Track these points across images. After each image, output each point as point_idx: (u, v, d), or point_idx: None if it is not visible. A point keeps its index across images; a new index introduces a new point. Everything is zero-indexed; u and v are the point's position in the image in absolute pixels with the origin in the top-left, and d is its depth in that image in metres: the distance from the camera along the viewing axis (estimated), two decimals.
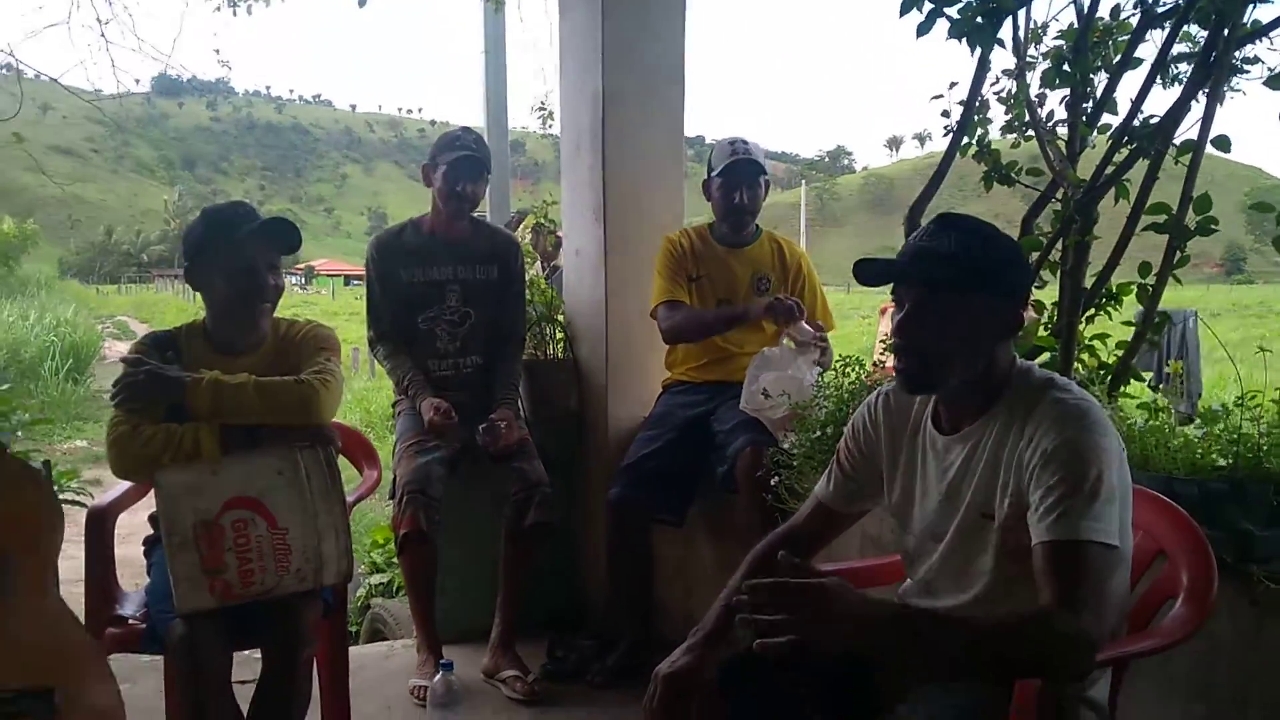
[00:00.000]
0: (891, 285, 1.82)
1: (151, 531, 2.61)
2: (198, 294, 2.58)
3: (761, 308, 3.30)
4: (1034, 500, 1.63)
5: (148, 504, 2.57)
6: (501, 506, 3.38)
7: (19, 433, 4.13)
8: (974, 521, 1.78)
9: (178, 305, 36.73)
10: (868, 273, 1.81)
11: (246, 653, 2.48)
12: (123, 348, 23.66)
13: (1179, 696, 2.05)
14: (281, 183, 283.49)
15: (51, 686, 1.51)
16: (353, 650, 3.81)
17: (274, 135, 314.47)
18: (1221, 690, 2.01)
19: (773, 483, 2.83)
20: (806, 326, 3.21)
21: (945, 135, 2.98)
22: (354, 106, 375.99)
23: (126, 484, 2.63)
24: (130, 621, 2.52)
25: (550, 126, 4.97)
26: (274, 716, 2.34)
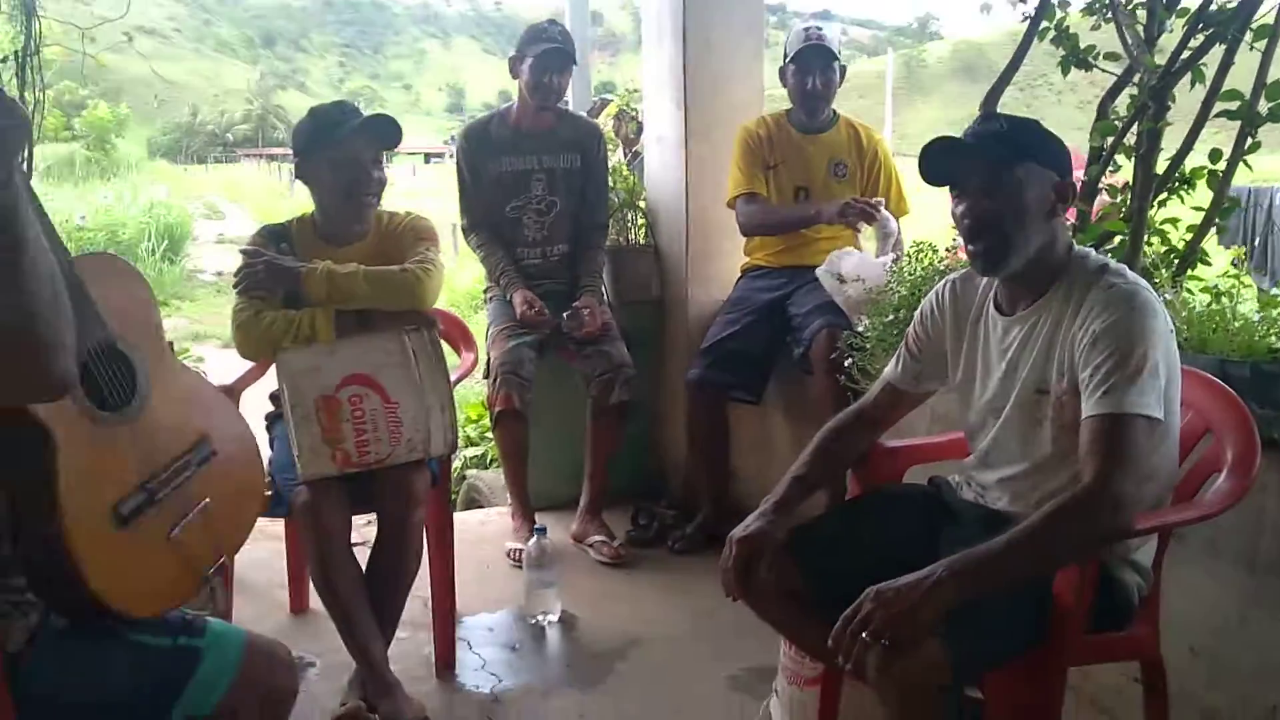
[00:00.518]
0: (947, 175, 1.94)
1: (272, 408, 2.86)
2: (287, 177, 2.75)
3: (836, 209, 3.36)
4: (1083, 378, 1.76)
5: (265, 382, 2.82)
6: (587, 386, 3.58)
7: None
8: (1029, 397, 1.91)
9: (265, 184, 37.33)
10: (933, 169, 1.92)
11: (363, 517, 2.74)
12: (213, 227, 24.26)
13: (1225, 564, 2.18)
14: (360, 59, 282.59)
15: (207, 433, 1.78)
16: (457, 515, 4.12)
17: (352, 10, 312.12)
18: (1265, 559, 2.14)
19: (846, 364, 2.97)
20: (886, 215, 3.29)
21: (1022, 21, 3.00)
22: None
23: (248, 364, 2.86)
24: None
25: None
26: (389, 573, 2.59)
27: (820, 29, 3.64)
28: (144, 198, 21.00)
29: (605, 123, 4.46)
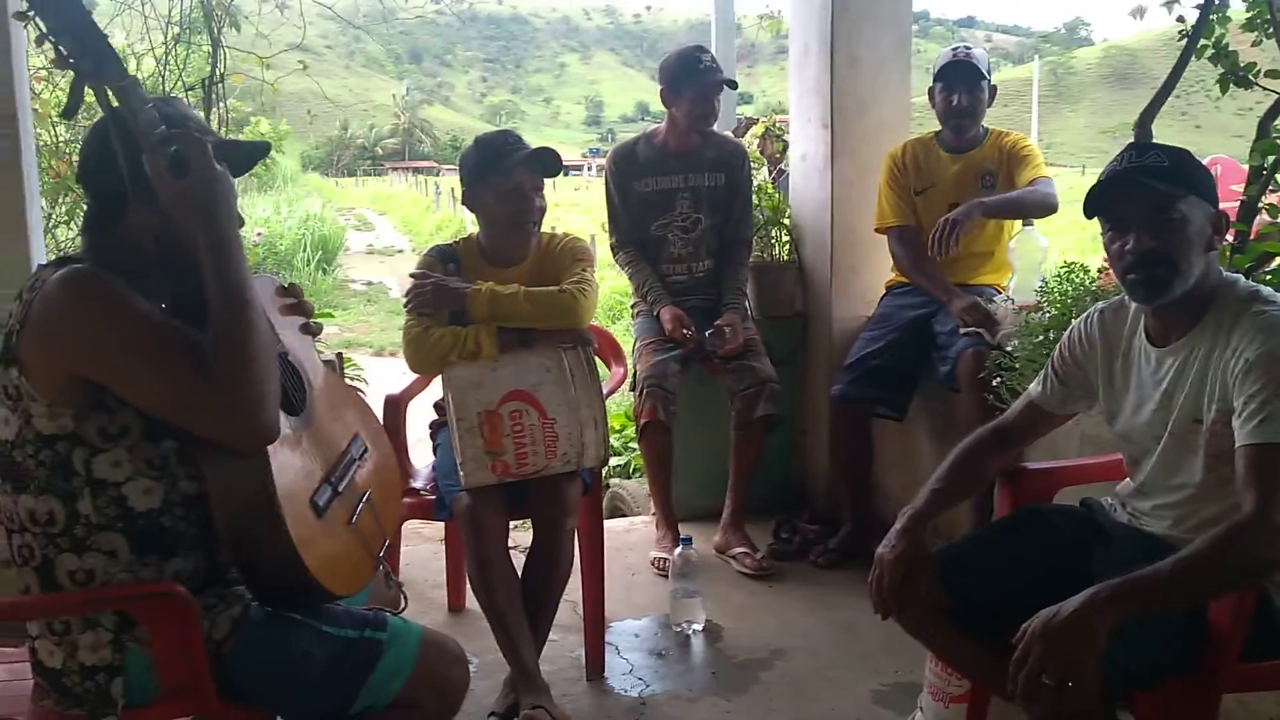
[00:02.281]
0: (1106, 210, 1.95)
1: (436, 417, 3.03)
2: (432, 191, 2.92)
3: (964, 304, 3.34)
4: (1238, 407, 1.76)
5: (429, 393, 2.99)
6: (730, 400, 3.65)
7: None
8: (1185, 426, 1.91)
9: (411, 197, 38.53)
10: (1097, 198, 1.94)
11: (520, 522, 2.87)
12: (363, 239, 25.14)
13: None
14: (502, 74, 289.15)
15: (357, 430, 2.00)
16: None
17: (495, 26, 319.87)
18: None
19: (994, 383, 2.97)
20: (999, 309, 3.26)
21: (1180, 39, 2.96)
22: None
23: (414, 376, 3.03)
24: (421, 493, 2.96)
25: (778, 14, 5.00)
26: (543, 577, 2.71)
27: (969, 47, 3.65)
28: (299, 211, 21.93)
29: (750, 142, 4.54)
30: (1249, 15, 2.98)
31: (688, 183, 3.86)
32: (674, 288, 3.84)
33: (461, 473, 2.61)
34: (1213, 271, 1.92)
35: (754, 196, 4.03)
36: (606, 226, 3.96)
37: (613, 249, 3.97)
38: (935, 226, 3.36)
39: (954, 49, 3.65)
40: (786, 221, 4.22)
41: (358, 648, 1.72)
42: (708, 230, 3.87)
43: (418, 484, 3.00)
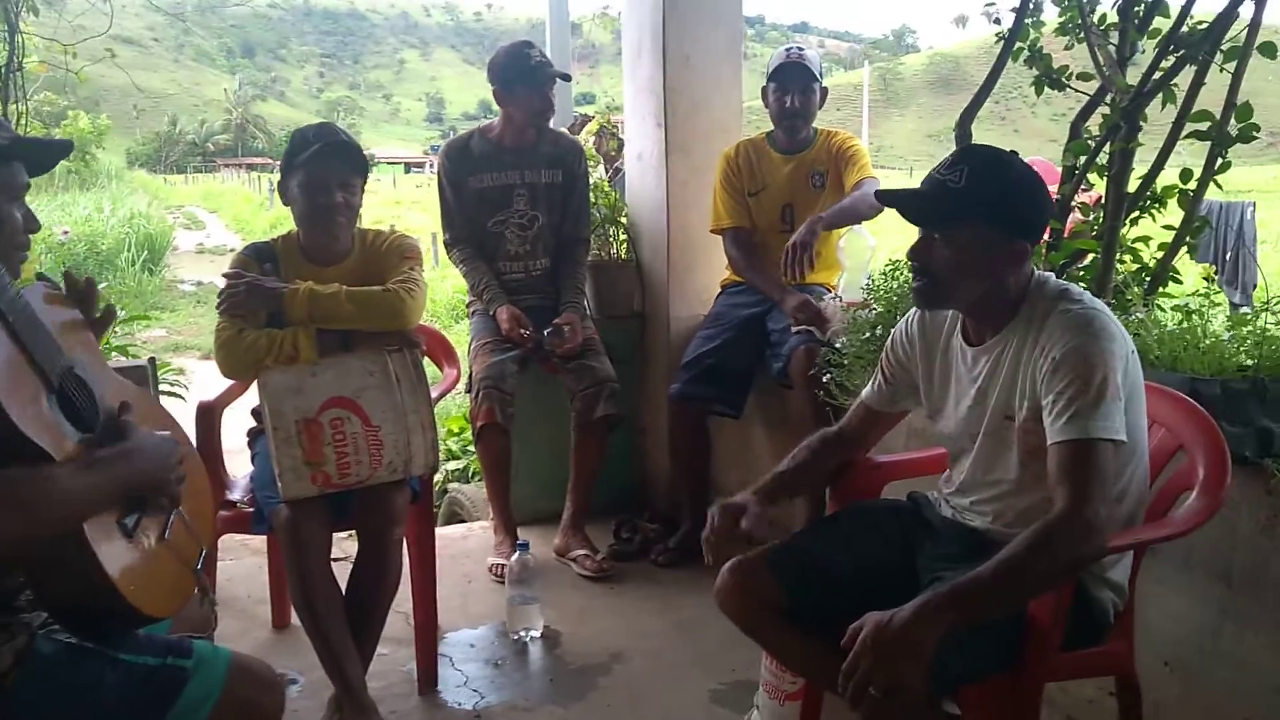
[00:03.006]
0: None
1: (255, 424, 2.87)
2: (265, 188, 2.79)
3: (795, 303, 3.35)
4: (1046, 405, 1.80)
5: (248, 398, 2.83)
6: (570, 400, 3.60)
7: (116, 329, 4.40)
8: (999, 424, 1.96)
9: (244, 194, 37.22)
10: (891, 203, 1.99)
11: (344, 534, 2.75)
12: (193, 237, 24.20)
13: (1198, 580, 2.22)
14: (339, 69, 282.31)
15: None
16: (438, 530, 4.12)
17: (332, 21, 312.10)
18: (1239, 573, 2.18)
19: (825, 379, 3.00)
20: (829, 307, 3.29)
21: (997, 42, 3.04)
22: None
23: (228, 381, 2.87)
24: (238, 505, 2.80)
25: (608, 9, 4.99)
26: (369, 591, 2.60)
27: (801, 49, 3.68)
28: (124, 209, 20.99)
29: (586, 139, 4.49)
30: (1061, 20, 3.09)
31: (524, 179, 3.78)
32: (511, 286, 3.76)
33: (280, 484, 2.47)
34: (1020, 277, 1.94)
35: (590, 195, 3.98)
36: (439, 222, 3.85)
37: (446, 246, 3.86)
38: (784, 251, 3.36)
39: (787, 50, 3.68)
40: (623, 220, 4.19)
41: (158, 676, 1.59)
42: (545, 228, 3.80)
43: (235, 495, 2.84)
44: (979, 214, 1.86)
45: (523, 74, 3.63)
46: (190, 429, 2.77)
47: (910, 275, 1.99)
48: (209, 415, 2.89)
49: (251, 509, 2.73)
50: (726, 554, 2.05)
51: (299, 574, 2.48)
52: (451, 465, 4.83)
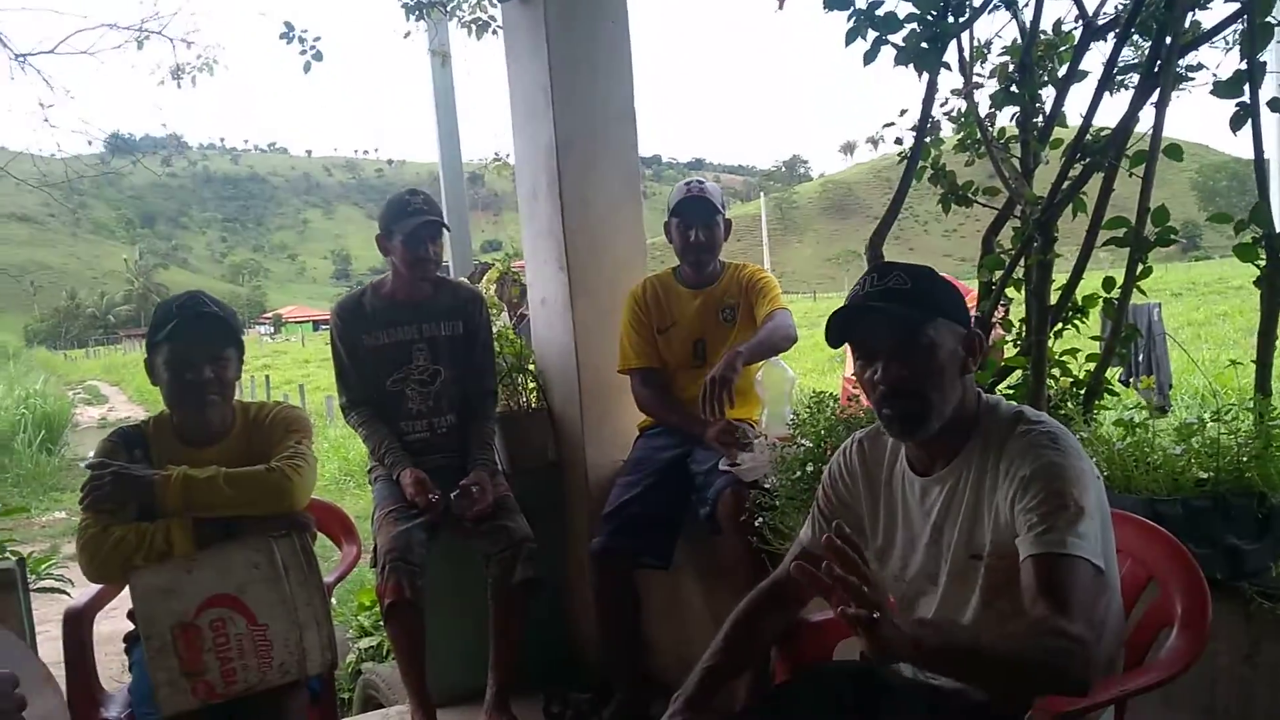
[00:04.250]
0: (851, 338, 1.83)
1: (132, 627, 2.56)
2: None
3: (714, 432, 3.22)
4: (1019, 523, 1.64)
5: (126, 599, 2.53)
6: (486, 565, 3.34)
7: None
8: (963, 563, 1.78)
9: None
10: (840, 327, 1.81)
11: None
12: (94, 413, 23.52)
13: (1182, 716, 2.04)
14: (243, 233, 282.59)
15: None
16: None
17: (232, 186, 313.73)
18: (1223, 709, 2.00)
19: (757, 524, 2.80)
20: (756, 445, 3.16)
21: (899, 162, 2.98)
22: (310, 152, 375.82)
23: None
24: None
25: (508, 157, 4.90)
26: None
27: (702, 182, 3.58)
28: (19, 389, 20.49)
29: (487, 287, 4.33)
30: (960, 136, 3.05)
31: (423, 333, 3.57)
32: (414, 447, 3.51)
33: (157, 699, 2.17)
34: (971, 393, 1.81)
35: (495, 344, 3.79)
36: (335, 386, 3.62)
37: (344, 409, 3.62)
38: (702, 387, 3.19)
39: (688, 184, 3.58)
40: (531, 368, 4.01)
41: None
42: (448, 382, 3.59)
43: (111, 714, 2.51)
44: (936, 308, 1.75)
45: (399, 218, 3.47)
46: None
47: (880, 406, 1.79)
48: (78, 622, 2.57)
49: None
50: None
51: None
52: (365, 643, 4.47)
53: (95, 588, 2.59)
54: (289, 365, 35.89)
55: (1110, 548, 1.72)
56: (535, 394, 4.02)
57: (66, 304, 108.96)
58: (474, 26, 4.48)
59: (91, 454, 2.48)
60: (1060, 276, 2.75)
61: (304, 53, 4.30)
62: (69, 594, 4.20)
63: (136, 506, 2.35)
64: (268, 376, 27.72)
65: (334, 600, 6.06)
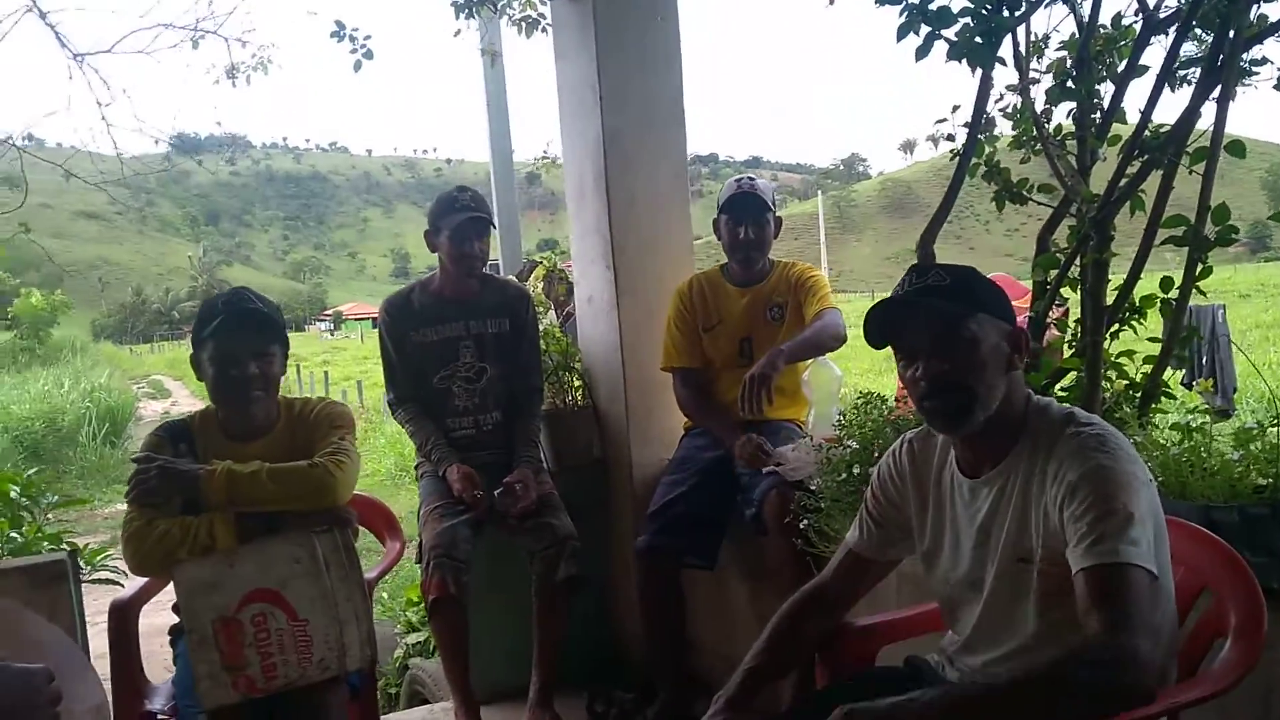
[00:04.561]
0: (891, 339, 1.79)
1: (177, 620, 2.58)
2: None
3: (737, 445, 3.21)
4: (1068, 532, 1.59)
5: (172, 593, 2.55)
6: (531, 562, 3.33)
7: (49, 515, 4.11)
8: (1011, 567, 1.73)
9: None
10: (879, 327, 1.79)
11: None
12: (158, 406, 23.93)
13: None
14: (304, 231, 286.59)
15: None
16: (390, 717, 3.78)
17: (294, 185, 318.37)
18: None
19: (801, 525, 2.77)
20: (783, 451, 3.12)
21: (952, 159, 2.92)
22: (370, 151, 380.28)
23: None
24: (159, 716, 2.49)
25: (557, 157, 4.90)
26: None
27: (753, 178, 3.54)
28: (85, 383, 20.89)
29: (535, 285, 4.33)
30: (1016, 133, 2.98)
31: (469, 330, 3.57)
32: (460, 443, 3.52)
33: (198, 693, 2.19)
34: (1019, 393, 1.76)
35: (541, 342, 3.79)
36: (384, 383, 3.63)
37: (391, 406, 3.64)
38: (742, 384, 3.15)
39: (738, 180, 3.54)
40: (577, 366, 3.99)
41: None
42: (494, 380, 3.59)
43: (155, 705, 2.53)
44: (977, 304, 1.72)
45: (445, 214, 3.48)
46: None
47: (922, 401, 1.76)
48: (124, 614, 2.60)
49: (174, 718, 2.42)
50: None
51: None
52: (412, 638, 4.50)
53: (142, 580, 2.62)
54: (347, 362, 36.30)
55: (1164, 555, 1.66)
56: (581, 392, 4.01)
57: (132, 300, 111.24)
58: (524, 24, 4.48)
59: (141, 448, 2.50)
60: (1118, 277, 2.68)
61: (354, 51, 4.33)
62: (123, 585, 4.28)
63: (181, 500, 2.36)
64: (326, 373, 28.05)
65: (384, 595, 6.12)
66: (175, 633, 2.61)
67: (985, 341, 1.71)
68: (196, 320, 2.49)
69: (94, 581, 3.97)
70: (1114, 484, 1.58)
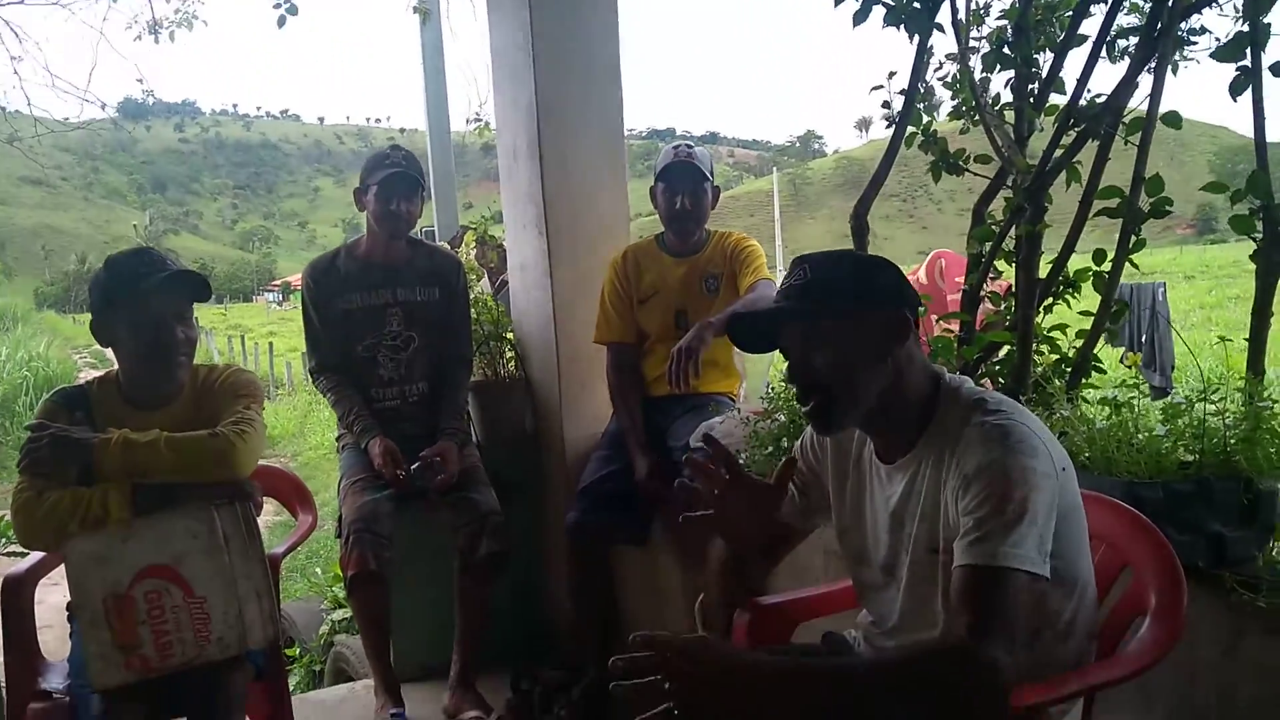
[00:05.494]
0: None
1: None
2: None
3: (641, 474, 3.20)
4: (961, 525, 1.53)
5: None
6: (453, 537, 3.24)
7: None
8: (924, 557, 1.67)
9: None
10: (746, 333, 1.83)
11: None
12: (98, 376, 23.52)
13: (1159, 714, 1.94)
14: (254, 200, 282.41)
15: None
16: (310, 695, 3.70)
17: (244, 153, 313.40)
18: (1203, 704, 1.89)
19: None
20: (711, 424, 3.07)
21: (887, 127, 2.86)
22: (322, 119, 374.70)
23: None
24: (55, 696, 2.38)
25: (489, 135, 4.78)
26: None
27: (691, 146, 3.45)
28: (23, 351, 20.60)
29: (466, 252, 4.21)
30: (955, 103, 2.92)
31: (397, 298, 3.46)
32: (384, 415, 3.41)
33: (90, 672, 2.08)
34: (917, 377, 1.69)
35: (472, 311, 3.69)
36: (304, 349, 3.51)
37: (312, 374, 3.51)
38: (669, 358, 3.07)
39: (675, 148, 3.45)
40: (509, 336, 3.90)
41: None
42: (421, 349, 3.48)
43: (52, 684, 2.42)
44: (839, 297, 1.65)
45: (374, 172, 3.37)
46: None
47: (799, 401, 1.73)
48: (18, 589, 2.47)
49: (68, 699, 2.31)
50: None
51: None
52: (338, 615, 4.39)
53: (37, 555, 2.50)
54: (294, 333, 35.74)
55: (1079, 545, 1.62)
56: (513, 363, 3.91)
57: (76, 268, 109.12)
58: None
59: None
60: (1052, 250, 2.63)
61: (278, 6, 4.16)
62: None
63: (76, 471, 2.25)
64: (271, 344, 27.65)
65: (316, 570, 6.00)
66: (73, 609, 2.49)
67: (841, 338, 1.65)
68: (104, 282, 2.35)
69: (8, 555, 3.85)
70: (1008, 480, 1.50)
